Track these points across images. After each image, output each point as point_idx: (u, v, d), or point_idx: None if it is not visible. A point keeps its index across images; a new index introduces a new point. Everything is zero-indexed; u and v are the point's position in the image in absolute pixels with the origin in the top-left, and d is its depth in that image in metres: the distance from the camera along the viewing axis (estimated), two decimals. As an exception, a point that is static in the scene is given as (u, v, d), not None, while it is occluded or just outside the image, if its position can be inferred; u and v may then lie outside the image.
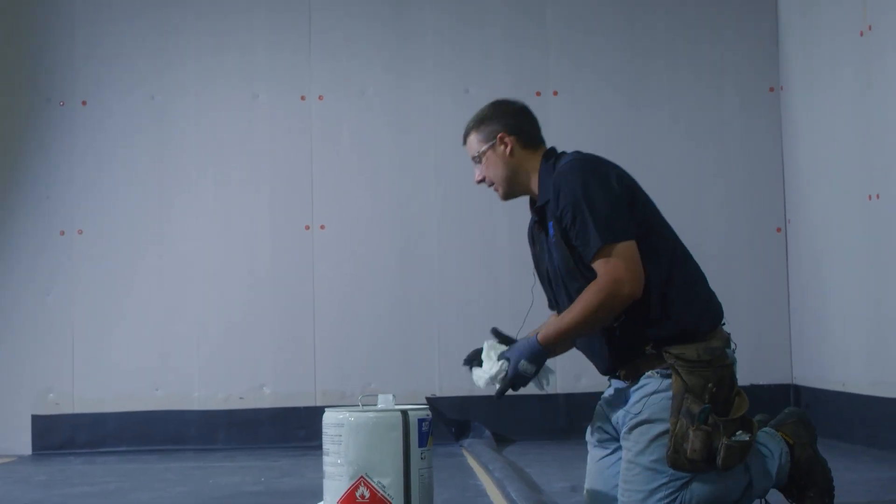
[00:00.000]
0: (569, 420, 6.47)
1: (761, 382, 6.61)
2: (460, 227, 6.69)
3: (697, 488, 3.47)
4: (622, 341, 3.58)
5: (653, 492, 3.46)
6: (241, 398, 6.68)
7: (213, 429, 6.68)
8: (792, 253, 6.69)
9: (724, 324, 3.70)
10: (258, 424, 6.69)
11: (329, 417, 3.42)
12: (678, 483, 3.46)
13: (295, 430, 6.63)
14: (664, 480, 3.46)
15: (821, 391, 6.32)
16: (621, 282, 3.46)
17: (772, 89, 6.79)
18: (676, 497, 3.46)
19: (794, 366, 6.67)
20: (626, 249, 3.50)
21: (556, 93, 6.78)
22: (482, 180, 3.77)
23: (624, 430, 3.62)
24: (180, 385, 6.68)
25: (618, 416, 3.67)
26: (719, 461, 3.44)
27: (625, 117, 6.81)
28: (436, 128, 6.70)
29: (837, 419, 6.10)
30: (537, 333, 3.53)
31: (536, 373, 3.52)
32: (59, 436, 6.66)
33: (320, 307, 6.71)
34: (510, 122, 3.76)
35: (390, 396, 3.50)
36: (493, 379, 3.51)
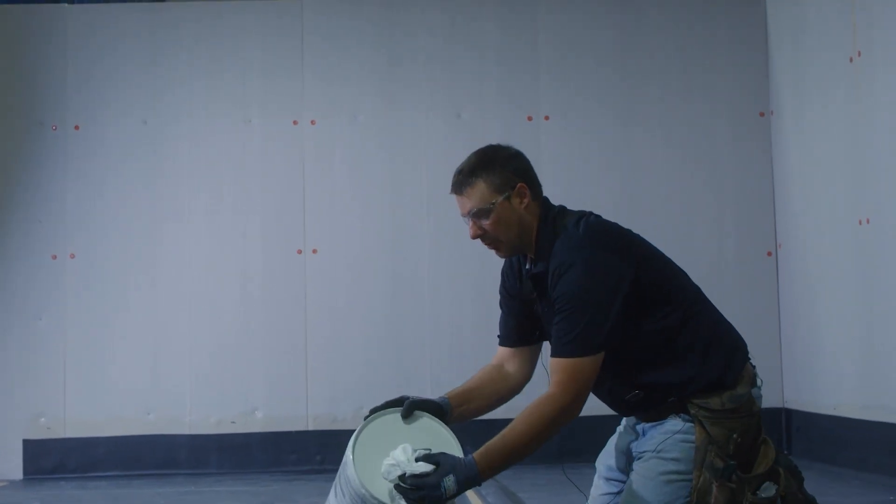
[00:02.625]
0: (563, 445, 6.45)
1: (753, 406, 6.60)
2: (452, 250, 6.70)
3: None
4: (643, 397, 3.44)
5: None
6: (232, 422, 6.67)
7: (204, 453, 6.66)
8: (783, 277, 6.71)
9: (749, 359, 3.64)
10: (250, 448, 6.67)
11: (353, 480, 3.17)
12: None
13: (287, 454, 6.62)
14: None
15: (812, 415, 6.33)
16: (576, 404, 3.26)
17: (762, 114, 6.82)
18: None
19: (784, 389, 6.67)
20: (590, 366, 3.29)
21: (547, 117, 6.80)
22: (482, 235, 3.38)
23: (636, 457, 3.57)
24: (172, 409, 6.67)
25: (632, 444, 3.62)
26: None
27: (616, 141, 6.83)
28: (428, 152, 6.72)
29: (828, 443, 6.11)
30: (474, 455, 3.16)
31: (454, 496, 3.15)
32: (50, 460, 6.65)
33: (312, 331, 6.71)
34: (524, 167, 3.45)
35: (410, 450, 3.18)
36: (401, 478, 3.11)
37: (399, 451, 3.20)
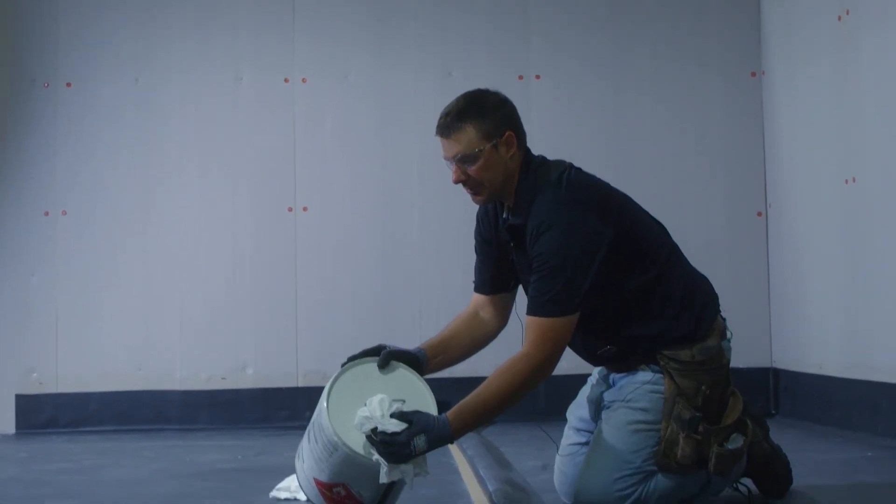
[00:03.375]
0: (548, 402, 6.48)
1: (741, 366, 6.60)
2: (443, 209, 6.72)
3: (660, 482, 3.46)
4: (614, 345, 3.54)
5: (616, 480, 3.45)
6: (223, 378, 6.72)
7: (194, 409, 6.72)
8: (772, 237, 6.72)
9: (720, 311, 3.65)
10: (240, 405, 6.72)
11: (326, 428, 3.24)
12: (642, 475, 3.46)
13: (277, 410, 6.67)
14: (629, 472, 3.45)
15: (798, 374, 6.36)
16: (550, 363, 3.34)
17: (753, 74, 6.81)
18: (638, 489, 3.45)
19: (773, 349, 6.70)
20: (565, 326, 3.35)
21: (538, 76, 6.81)
22: (465, 180, 3.45)
23: (605, 406, 3.61)
24: (162, 365, 6.72)
25: (602, 394, 3.66)
26: (711, 467, 3.44)
27: (607, 101, 6.84)
28: (418, 110, 6.73)
29: (813, 402, 6.14)
30: (448, 414, 3.24)
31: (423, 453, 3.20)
32: (42, 415, 6.71)
33: (303, 288, 6.75)
34: (513, 116, 3.48)
35: (386, 404, 3.24)
36: (375, 432, 3.16)
37: (375, 403, 3.23)
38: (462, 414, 3.29)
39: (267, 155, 6.81)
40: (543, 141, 6.19)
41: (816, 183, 6.07)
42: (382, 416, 3.19)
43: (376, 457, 3.17)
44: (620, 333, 3.56)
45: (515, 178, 3.47)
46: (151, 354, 6.73)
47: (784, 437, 5.32)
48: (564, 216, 3.37)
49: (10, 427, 6.71)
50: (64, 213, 6.76)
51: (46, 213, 6.75)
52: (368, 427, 3.18)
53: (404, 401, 3.30)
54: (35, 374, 6.73)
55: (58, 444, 6.12)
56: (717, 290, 6.27)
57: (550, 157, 3.58)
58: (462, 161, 3.43)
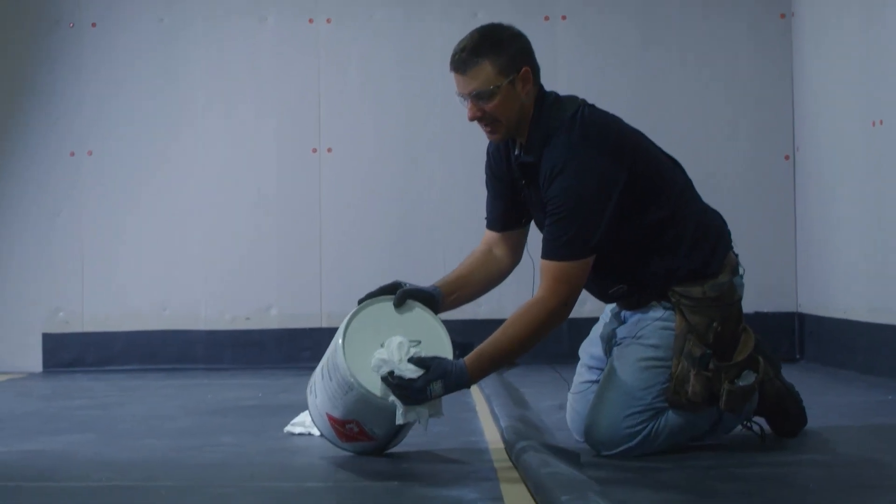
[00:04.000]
0: (571, 345, 6.46)
1: (766, 310, 6.61)
2: (465, 150, 6.67)
3: (671, 419, 3.45)
4: (626, 283, 3.52)
5: (626, 417, 3.43)
6: (247, 319, 6.75)
7: (219, 349, 6.76)
8: (800, 181, 6.66)
9: (732, 247, 3.61)
10: (264, 345, 6.76)
11: (342, 368, 3.24)
12: (652, 412, 3.45)
13: (300, 350, 6.69)
14: (639, 409, 3.43)
15: (824, 319, 6.31)
16: (565, 307, 3.33)
17: (783, 16, 6.72)
18: (648, 426, 3.44)
19: (799, 294, 6.65)
20: (580, 269, 3.34)
21: (564, 17, 6.75)
22: (481, 117, 3.39)
23: (616, 343, 3.60)
24: (187, 305, 6.76)
25: (614, 330, 3.64)
26: (722, 404, 3.42)
27: (634, 43, 6.77)
28: (443, 51, 6.60)
29: (838, 347, 6.10)
30: (465, 360, 3.24)
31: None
32: (68, 354, 6.76)
33: (326, 229, 6.75)
34: (528, 51, 3.42)
35: (405, 348, 3.25)
36: (391, 375, 3.17)
37: (394, 347, 3.23)
38: (480, 360, 3.30)
39: (291, 96, 6.79)
40: (569, 81, 6.16)
41: (844, 126, 6.00)
42: (400, 360, 3.20)
43: (392, 398, 3.18)
44: (632, 272, 3.53)
45: (530, 115, 3.43)
46: (176, 295, 6.76)
47: (807, 381, 5.32)
48: (578, 159, 3.33)
49: (37, 366, 6.77)
50: (90, 153, 6.78)
51: (72, 154, 6.78)
52: (385, 370, 3.19)
53: (420, 342, 3.30)
54: (61, 314, 6.78)
55: (82, 382, 6.17)
56: (742, 233, 6.23)
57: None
58: (478, 98, 3.40)
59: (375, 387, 3.21)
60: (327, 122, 6.77)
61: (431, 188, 6.75)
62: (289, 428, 4.06)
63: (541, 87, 3.50)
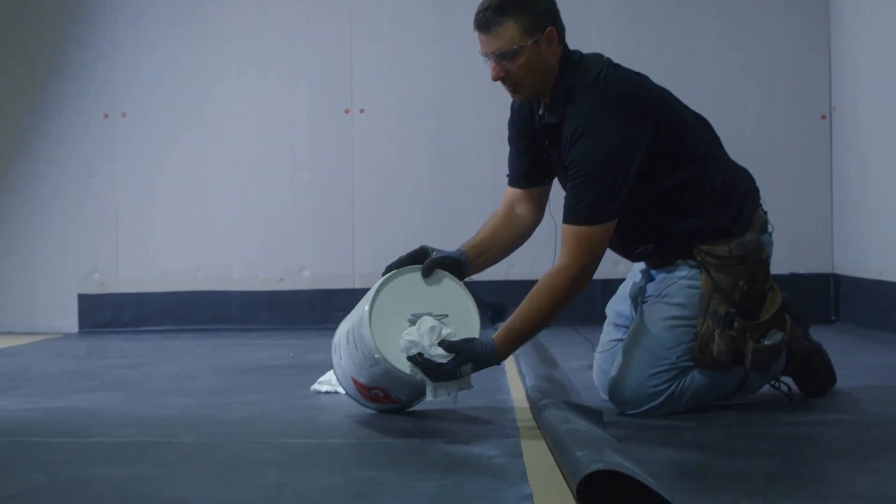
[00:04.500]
0: (605, 306, 6.47)
1: (801, 271, 6.56)
2: (498, 109, 6.56)
3: (696, 378, 3.43)
4: (651, 243, 3.50)
5: (650, 376, 3.42)
6: (280, 280, 6.77)
7: (253, 310, 6.79)
8: (836, 141, 6.58)
9: (760, 205, 3.57)
10: (297, 306, 6.78)
11: (369, 343, 3.23)
12: (677, 371, 3.43)
13: (333, 311, 6.68)
14: (663, 368, 3.42)
15: (859, 280, 6.25)
16: (587, 272, 3.31)
17: (820, -27, 6.63)
18: (672, 385, 3.42)
19: (835, 255, 6.59)
20: (602, 233, 3.30)
21: (598, -24, 6.69)
22: (504, 77, 3.34)
23: (642, 301, 3.58)
24: (221, 267, 6.79)
25: (642, 288, 3.63)
26: (747, 364, 3.40)
27: (668, 3, 6.70)
28: (475, 9, 6.62)
29: (874, 308, 6.04)
30: (494, 337, 3.24)
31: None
32: (104, 315, 6.82)
33: (359, 190, 6.75)
34: (553, 10, 3.37)
35: (435, 333, 3.22)
36: (421, 356, 3.14)
37: (425, 330, 3.20)
38: (508, 336, 3.29)
39: (323, 56, 6.78)
40: (602, 45, 6.09)
41: (881, 85, 5.92)
42: (430, 345, 3.19)
43: (420, 376, 3.17)
44: (657, 231, 3.51)
45: (554, 76, 3.40)
46: (210, 256, 6.79)
47: (842, 342, 5.29)
48: (600, 121, 3.29)
49: (73, 326, 6.83)
50: (123, 115, 6.80)
51: (106, 116, 6.80)
52: (414, 352, 3.18)
53: (448, 315, 3.29)
54: (96, 275, 6.83)
55: (117, 342, 6.22)
56: (778, 193, 6.20)
57: (609, 54, 3.51)
58: (501, 57, 3.36)
59: (403, 363, 3.21)
60: (359, 83, 6.76)
61: (464, 148, 6.72)
62: (315, 386, 4.07)
63: (565, 46, 3.46)
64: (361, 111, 6.75)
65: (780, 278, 6.45)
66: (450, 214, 6.68)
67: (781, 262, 6.39)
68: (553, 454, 2.75)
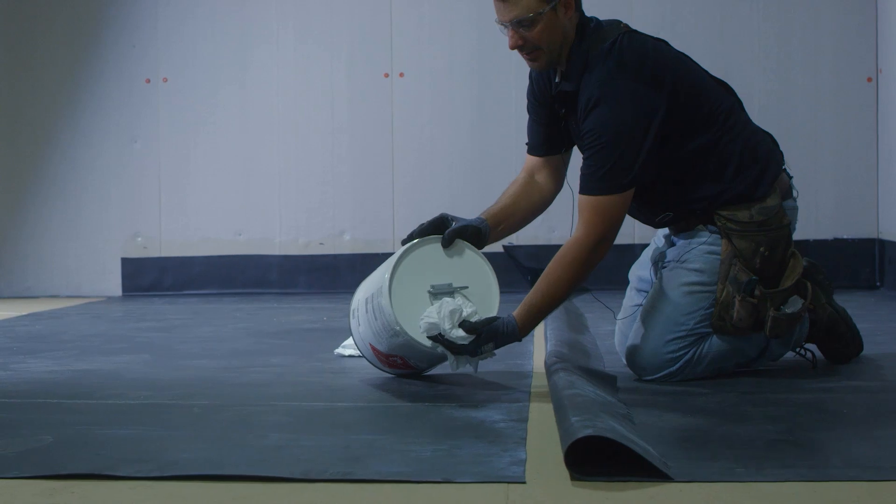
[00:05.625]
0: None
1: (846, 236, 6.47)
2: (537, 75, 6.61)
3: (715, 344, 3.40)
4: (671, 210, 3.47)
5: (668, 342, 3.39)
6: (321, 244, 6.80)
7: (293, 274, 6.82)
8: (882, 104, 6.47)
9: (784, 168, 3.52)
10: (338, 270, 6.81)
11: (389, 315, 3.22)
12: (695, 337, 3.40)
13: (373, 276, 6.71)
14: (681, 334, 3.39)
15: (904, 245, 6.17)
16: (605, 242, 3.26)
17: (867, -67, 6.51)
18: (689, 351, 3.39)
19: (880, 220, 6.49)
20: (619, 203, 3.27)
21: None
22: (522, 45, 3.31)
23: (661, 266, 3.56)
24: (262, 231, 6.83)
25: (662, 252, 3.61)
26: (767, 331, 3.36)
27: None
28: (515, -26, 6.58)
29: (917, 273, 5.96)
30: (515, 314, 3.22)
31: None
32: (146, 278, 6.89)
33: (399, 154, 6.75)
34: None
35: (457, 315, 3.19)
36: (442, 337, 3.14)
37: (446, 313, 3.19)
38: (529, 312, 3.27)
39: (363, 20, 6.78)
40: (643, 10, 6.06)
41: (926, 45, 5.81)
42: (452, 327, 3.18)
43: (441, 349, 3.17)
44: (677, 198, 3.47)
45: (571, 43, 3.36)
46: (251, 220, 6.84)
47: (884, 308, 5.21)
48: (615, 90, 3.25)
49: (116, 290, 6.91)
50: (165, 80, 6.85)
51: (147, 81, 6.85)
52: (433, 333, 3.18)
53: (468, 286, 3.29)
54: (139, 239, 6.90)
55: (157, 305, 6.28)
56: (822, 157, 6.10)
57: (651, 32, 3.47)
58: (519, 25, 3.31)
59: (423, 337, 3.21)
60: (399, 47, 6.74)
61: (503, 112, 6.70)
62: (339, 350, 4.08)
63: (582, 13, 3.42)
64: (401, 75, 6.74)
65: (824, 243, 6.42)
66: (489, 178, 6.66)
67: (825, 227, 6.33)
68: (556, 419, 2.74)
